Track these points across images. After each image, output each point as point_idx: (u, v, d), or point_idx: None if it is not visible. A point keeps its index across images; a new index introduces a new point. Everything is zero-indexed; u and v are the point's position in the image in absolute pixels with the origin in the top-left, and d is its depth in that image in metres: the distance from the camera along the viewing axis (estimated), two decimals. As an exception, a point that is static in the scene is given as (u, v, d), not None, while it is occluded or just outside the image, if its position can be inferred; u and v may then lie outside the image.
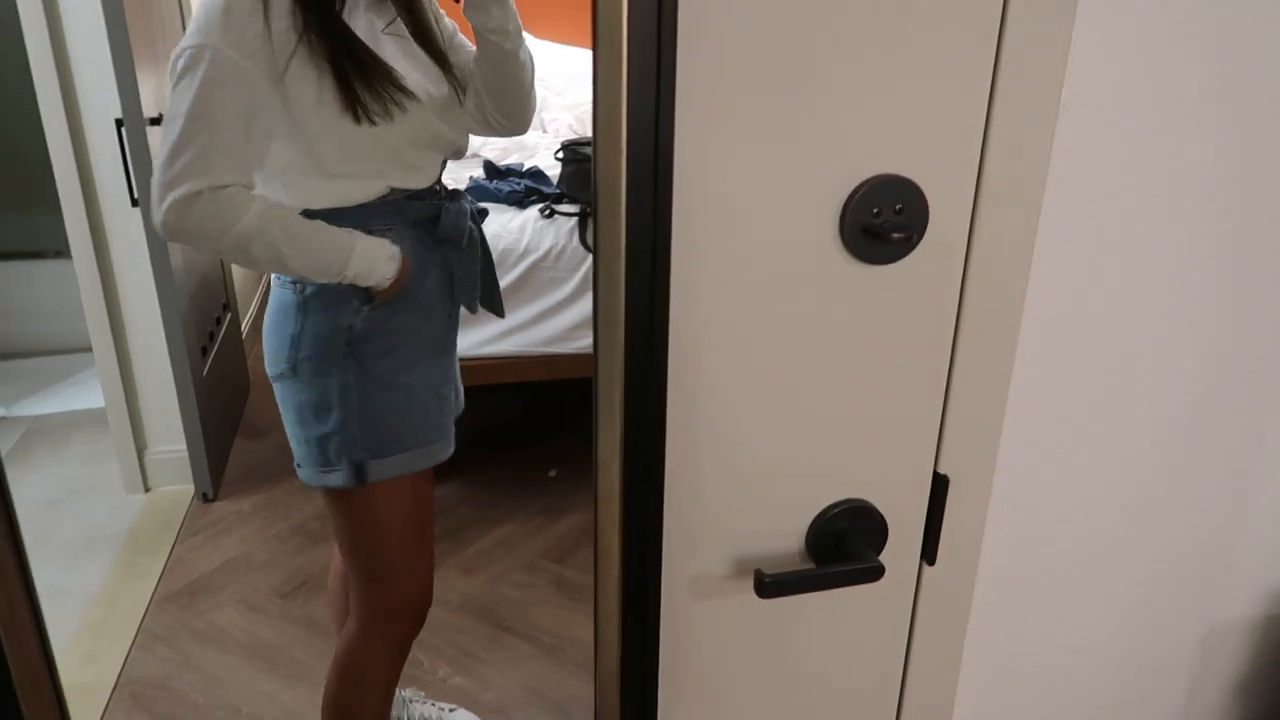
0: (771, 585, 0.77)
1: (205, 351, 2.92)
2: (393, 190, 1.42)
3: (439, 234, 1.47)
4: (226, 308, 3.30)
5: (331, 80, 1.31)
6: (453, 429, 1.55)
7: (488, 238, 2.59)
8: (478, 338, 2.58)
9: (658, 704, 0.83)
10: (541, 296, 2.64)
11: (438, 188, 1.50)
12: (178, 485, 2.84)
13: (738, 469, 0.78)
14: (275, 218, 1.31)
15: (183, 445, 2.77)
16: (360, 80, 1.33)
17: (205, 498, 2.80)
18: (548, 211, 2.67)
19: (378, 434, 1.43)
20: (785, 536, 0.82)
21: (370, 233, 1.39)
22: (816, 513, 0.82)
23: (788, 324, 0.74)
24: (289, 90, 1.30)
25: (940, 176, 0.73)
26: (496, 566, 2.55)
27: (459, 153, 1.53)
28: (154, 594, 2.40)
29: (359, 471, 1.43)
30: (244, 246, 1.30)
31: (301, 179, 1.37)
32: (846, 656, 0.88)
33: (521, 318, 2.63)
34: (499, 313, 1.70)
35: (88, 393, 3.21)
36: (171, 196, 1.25)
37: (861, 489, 0.82)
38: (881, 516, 0.82)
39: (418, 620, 1.59)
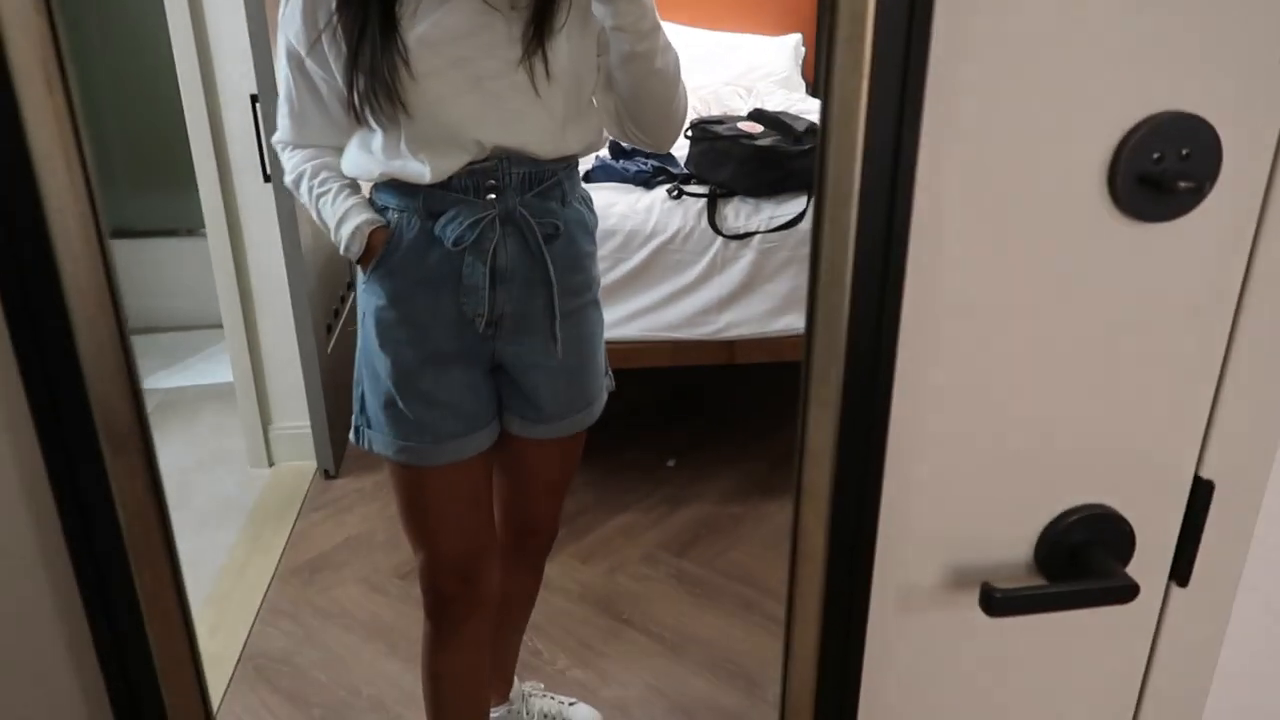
0: (1002, 602, 0.65)
1: (330, 329, 2.94)
2: (393, 179, 1.33)
3: (435, 232, 1.32)
4: (350, 285, 3.32)
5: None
6: (454, 440, 1.40)
7: (615, 218, 2.52)
8: (602, 321, 2.51)
9: (854, 728, 0.72)
10: (668, 280, 2.55)
11: (465, 182, 1.31)
12: (301, 461, 2.87)
13: (964, 463, 0.67)
14: (305, 176, 1.38)
15: (306, 422, 2.79)
16: (361, 79, 1.26)
17: (327, 474, 2.81)
18: (676, 193, 2.58)
19: (366, 404, 1.43)
20: (1012, 545, 0.70)
21: (381, 210, 1.37)
22: (1051, 518, 0.70)
23: (1037, 294, 0.63)
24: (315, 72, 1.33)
25: (1239, 114, 0.60)
26: (615, 556, 2.48)
27: (523, 154, 1.31)
28: (278, 568, 2.41)
29: (356, 432, 1.45)
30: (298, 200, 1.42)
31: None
32: (1072, 687, 0.76)
33: (647, 301, 2.55)
34: (551, 349, 1.41)
35: (217, 367, 3.27)
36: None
37: (1106, 492, 0.70)
38: (1128, 526, 0.70)
39: (439, 600, 1.52)
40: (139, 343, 3.81)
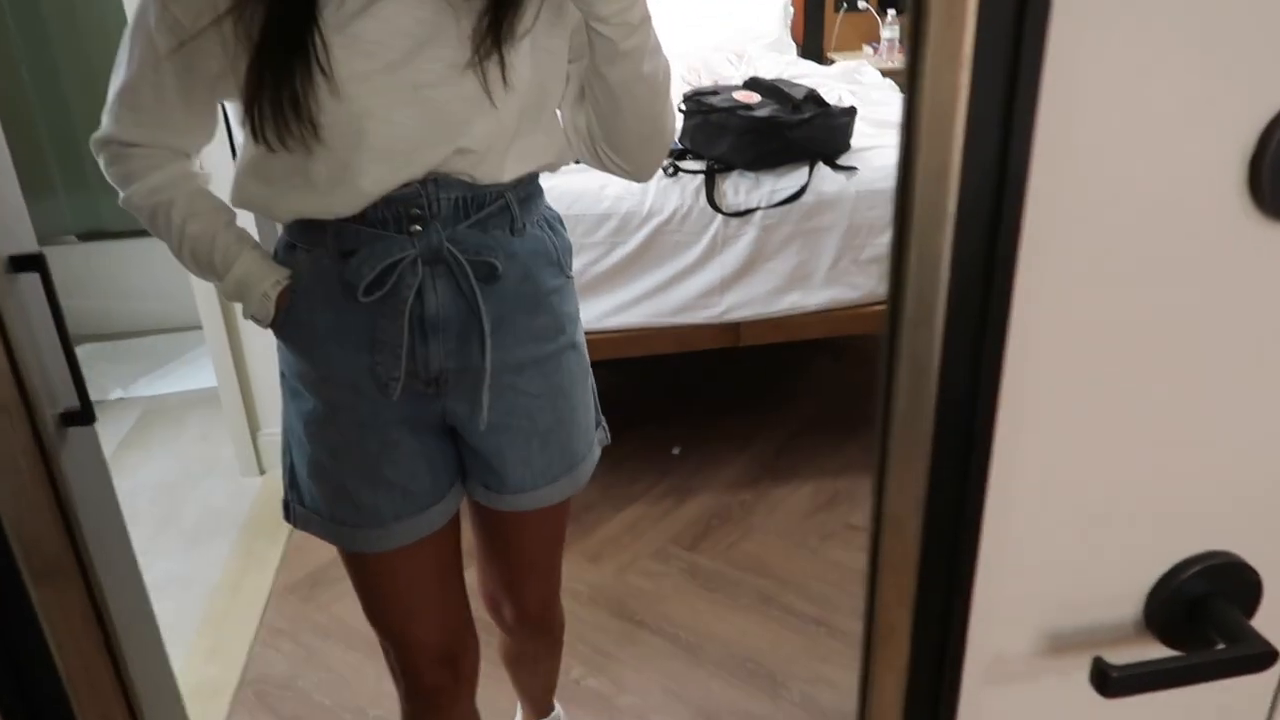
0: (1120, 682, 0.55)
1: (315, 327, 2.82)
2: (299, 218, 1.10)
3: (345, 275, 1.08)
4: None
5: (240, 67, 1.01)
6: (405, 520, 1.19)
7: (610, 200, 2.38)
8: (600, 309, 2.39)
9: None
10: (667, 262, 2.43)
11: (381, 213, 1.06)
12: (292, 467, 2.75)
13: (1064, 513, 0.57)
14: (172, 205, 1.11)
15: (296, 426, 2.68)
16: (266, 87, 0.99)
17: (320, 480, 2.70)
18: (671, 169, 2.45)
19: (295, 476, 1.22)
20: (1117, 603, 0.60)
21: (289, 255, 1.13)
22: (1164, 571, 0.60)
23: (1159, 312, 0.52)
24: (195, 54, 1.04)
25: None
26: (625, 554, 2.38)
27: (457, 178, 1.07)
28: (274, 584, 2.31)
29: (286, 509, 1.24)
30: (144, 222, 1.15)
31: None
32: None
33: (646, 285, 2.43)
34: (475, 420, 1.16)
35: (201, 372, 3.14)
36: None
37: (1227, 539, 0.59)
38: (1255, 577, 0.60)
39: (417, 689, 1.34)
40: (118, 348, 3.66)
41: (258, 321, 1.16)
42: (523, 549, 1.37)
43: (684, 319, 2.44)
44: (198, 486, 2.74)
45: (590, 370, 1.29)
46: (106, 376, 3.28)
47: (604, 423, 1.35)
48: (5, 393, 0.50)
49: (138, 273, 3.61)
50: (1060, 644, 0.60)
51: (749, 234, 2.40)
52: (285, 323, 1.15)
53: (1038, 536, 0.57)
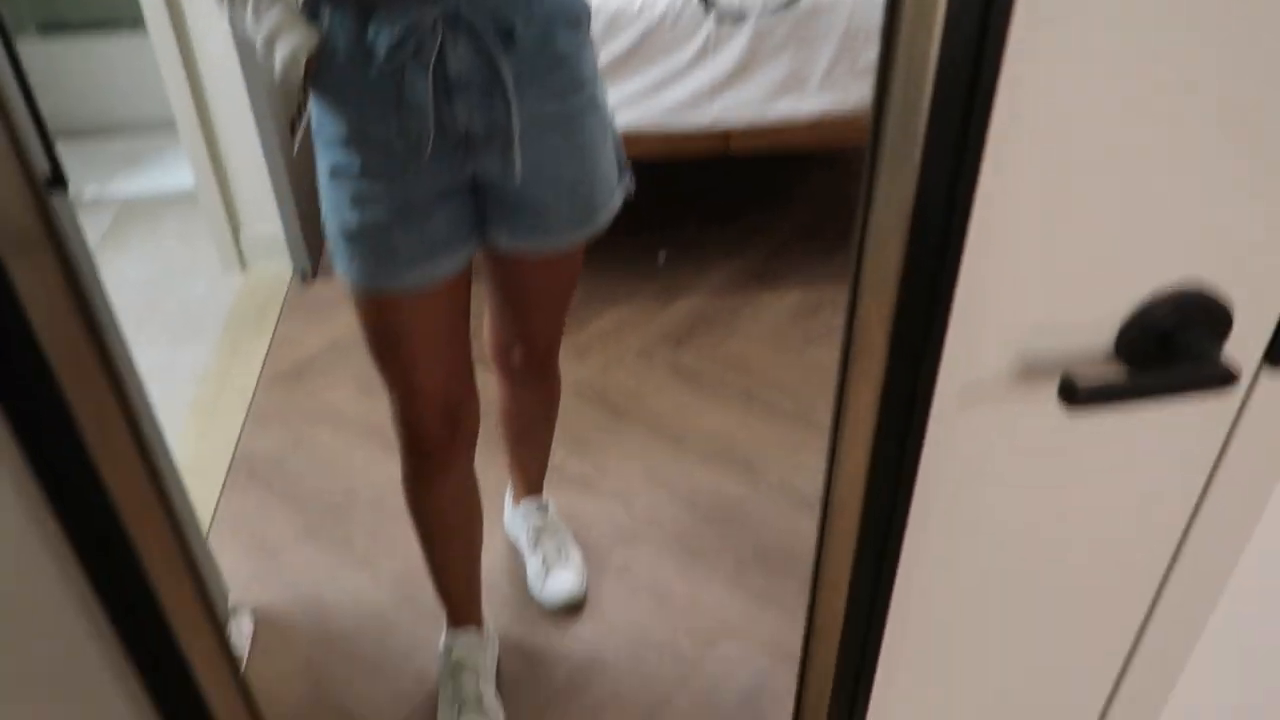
0: (1086, 394, 0.57)
1: (294, 125, 2.74)
2: None
3: (367, 39, 1.12)
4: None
5: None
6: (422, 263, 1.24)
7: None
8: (586, 103, 2.33)
9: (905, 526, 0.66)
10: (657, 63, 2.35)
11: None
12: (275, 264, 2.74)
13: (1043, 236, 0.57)
14: None
15: (278, 223, 2.65)
16: None
17: (304, 277, 2.70)
18: (663, -40, 2.33)
19: (326, 225, 1.26)
20: (1091, 331, 0.62)
21: (312, 20, 1.14)
22: (1138, 300, 0.61)
23: (1142, 55, 0.51)
24: None
25: None
26: (610, 351, 2.43)
27: None
28: (261, 374, 2.35)
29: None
30: None
31: None
32: (1135, 480, 0.70)
33: (635, 87, 2.36)
34: (507, 175, 1.21)
35: (177, 172, 3.08)
36: None
37: (1200, 265, 0.60)
38: (1223, 306, 0.61)
39: (418, 441, 1.40)
40: (89, 148, 3.58)
41: (289, 83, 1.17)
42: (539, 290, 1.45)
43: (673, 122, 2.38)
44: (178, 283, 2.73)
45: (613, 124, 1.34)
46: (78, 176, 3.20)
47: (629, 174, 1.40)
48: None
49: (105, 69, 3.46)
50: (1032, 368, 0.62)
51: (742, 38, 2.31)
52: (316, 82, 1.17)
53: (1017, 257, 0.58)
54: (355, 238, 1.22)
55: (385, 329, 1.31)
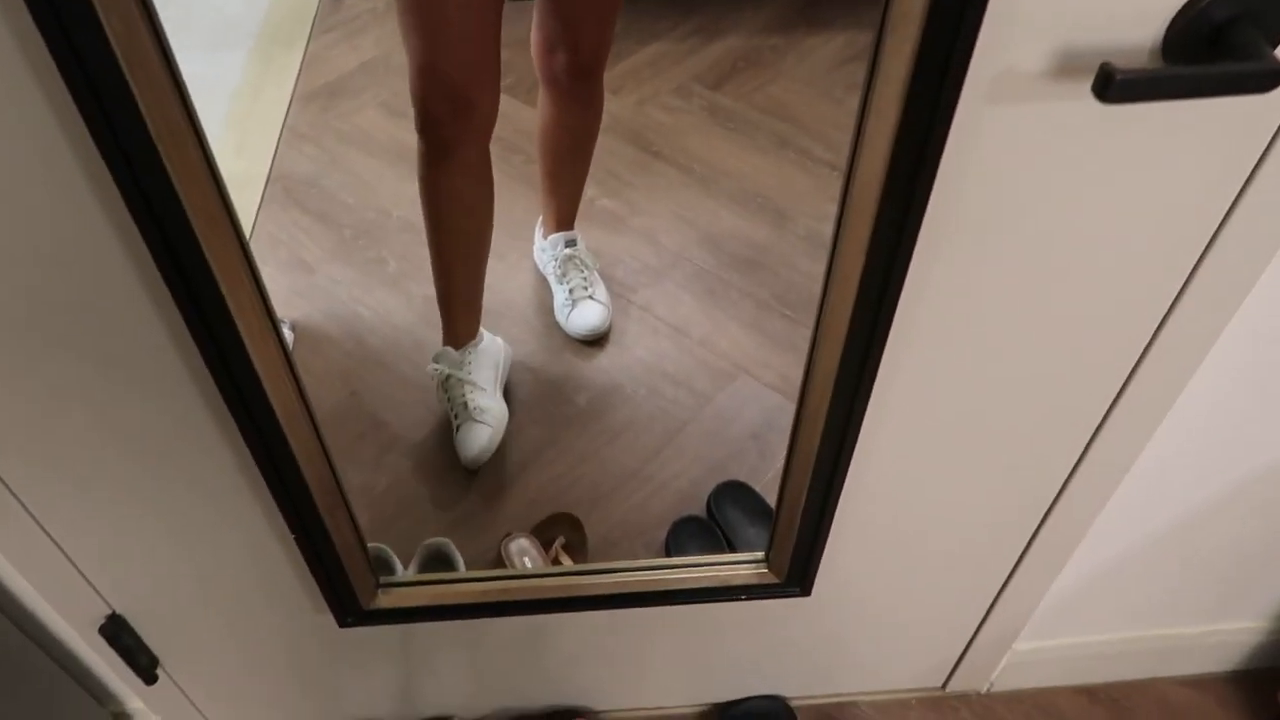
0: (1122, 85, 0.56)
1: None
2: None
3: None
4: None
5: None
6: None
7: None
8: None
9: (921, 223, 0.67)
10: None
11: None
12: (305, -23, 2.63)
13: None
14: None
15: (306, -70, 2.52)
16: None
17: (335, -7, 2.60)
18: None
19: None
20: (1137, 24, 0.59)
21: None
22: (1192, -8, 0.58)
23: None
24: None
25: None
26: (645, 88, 2.35)
27: None
28: (294, 92, 2.31)
29: None
30: None
31: None
32: (1163, 188, 0.69)
33: None
34: None
35: None
36: None
37: (1270, -42, 0.57)
38: (1287, 2, 0.58)
39: (427, 119, 1.39)
40: None
41: None
42: None
43: None
44: (209, -7, 2.64)
45: None
46: None
47: None
48: None
49: None
50: (1070, 63, 0.60)
51: None
52: None
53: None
54: None
55: None
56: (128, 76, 0.58)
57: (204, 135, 0.66)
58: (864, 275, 0.72)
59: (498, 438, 1.70)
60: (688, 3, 2.58)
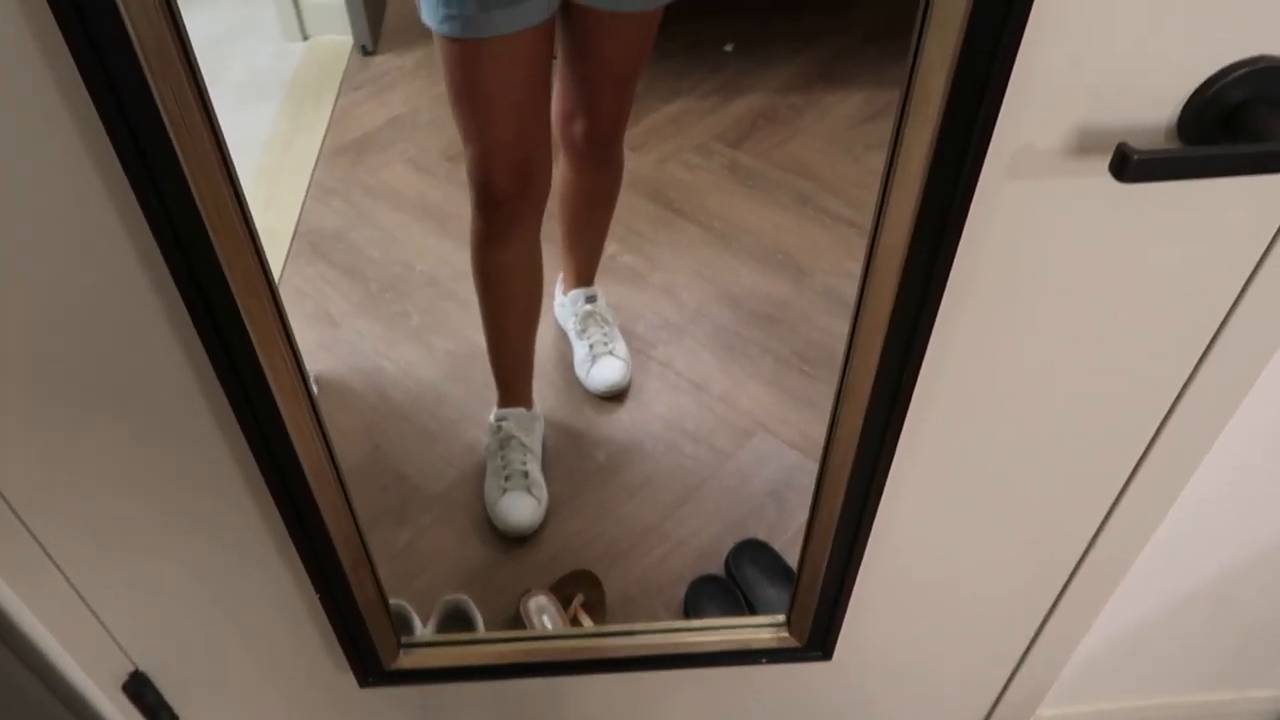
0: (1139, 166, 0.57)
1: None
2: None
3: None
4: None
5: None
6: (503, 8, 1.23)
7: None
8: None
9: (939, 308, 0.68)
10: None
11: None
12: (336, 35, 2.70)
13: (1109, 5, 0.56)
14: None
15: (338, -8, 2.59)
16: None
17: (365, 50, 2.67)
18: None
19: None
20: (1153, 105, 0.61)
21: None
22: (1205, 75, 0.59)
23: None
24: None
25: None
26: (667, 145, 2.39)
27: None
28: (323, 146, 2.37)
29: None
30: None
31: None
32: (1179, 266, 0.70)
33: None
34: None
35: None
36: None
37: (1275, 43, 0.58)
38: (1299, 83, 0.59)
39: (489, 197, 1.42)
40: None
41: None
42: (613, 56, 1.43)
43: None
44: (240, 45, 2.71)
45: None
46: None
47: None
48: None
49: None
50: (1087, 142, 0.62)
51: None
52: None
53: (1081, 26, 0.56)
54: None
55: (469, 80, 1.31)
56: (177, 150, 0.60)
57: (245, 203, 0.68)
58: (887, 341, 0.73)
59: (541, 514, 1.69)
60: (711, 61, 2.63)
